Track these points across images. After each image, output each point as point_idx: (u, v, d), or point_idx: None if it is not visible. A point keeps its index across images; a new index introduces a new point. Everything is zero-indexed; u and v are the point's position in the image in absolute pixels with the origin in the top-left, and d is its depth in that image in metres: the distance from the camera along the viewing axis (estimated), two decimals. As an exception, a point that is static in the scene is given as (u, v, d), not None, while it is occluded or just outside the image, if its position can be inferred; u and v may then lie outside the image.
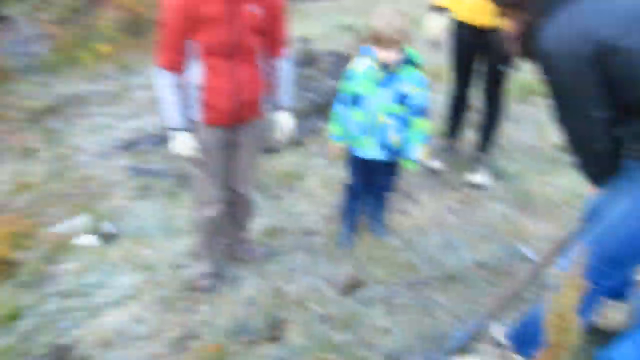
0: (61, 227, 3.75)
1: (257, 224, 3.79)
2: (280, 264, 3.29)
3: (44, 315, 3.04)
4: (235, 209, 3.24)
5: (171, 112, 2.75)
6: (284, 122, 3.07)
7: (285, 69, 2.98)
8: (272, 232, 3.67)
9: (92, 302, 3.15)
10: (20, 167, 4.53)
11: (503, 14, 1.99)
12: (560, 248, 2.26)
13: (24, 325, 2.95)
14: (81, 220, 3.80)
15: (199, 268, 3.24)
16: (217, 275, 3.24)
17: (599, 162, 1.94)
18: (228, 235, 3.35)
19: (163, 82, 2.72)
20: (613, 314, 2.34)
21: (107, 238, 3.71)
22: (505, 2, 1.98)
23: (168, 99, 2.73)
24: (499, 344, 2.19)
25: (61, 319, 3.03)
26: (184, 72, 2.73)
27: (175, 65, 2.68)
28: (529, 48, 1.91)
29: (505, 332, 2.22)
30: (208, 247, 3.18)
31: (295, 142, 4.93)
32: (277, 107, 3.09)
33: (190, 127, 2.80)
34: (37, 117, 5.44)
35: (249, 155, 3.05)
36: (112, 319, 2.99)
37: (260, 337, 2.72)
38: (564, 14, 1.79)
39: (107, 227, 3.78)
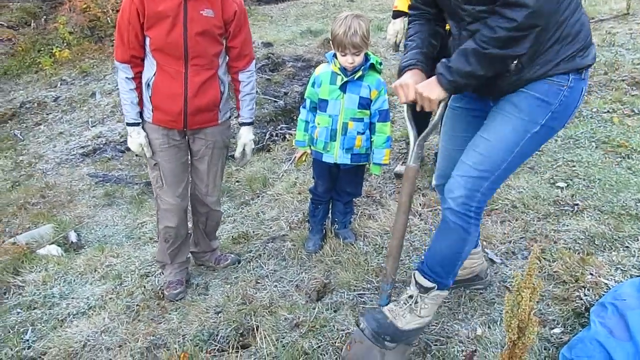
0: (24, 237, 3.68)
1: (225, 231, 3.79)
2: (248, 270, 3.29)
3: (8, 328, 2.99)
4: (202, 218, 3.23)
5: (127, 106, 2.77)
6: (244, 139, 3.09)
7: (248, 82, 2.99)
8: (240, 238, 3.67)
9: (57, 313, 3.11)
10: (-22, 176, 4.44)
11: None
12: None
13: (-14, 338, 2.89)
14: (44, 229, 3.74)
15: (166, 276, 3.22)
16: (185, 283, 3.22)
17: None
18: (195, 243, 3.35)
19: (121, 76, 2.75)
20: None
21: (72, 247, 3.66)
22: None
23: (124, 93, 2.76)
24: (420, 286, 2.28)
25: (25, 331, 2.98)
26: (141, 69, 2.75)
27: (131, 59, 2.71)
28: None
29: (420, 270, 2.31)
30: (173, 255, 3.16)
31: (262, 148, 4.96)
32: (238, 123, 3.10)
33: (143, 124, 2.83)
34: (-5, 124, 5.34)
35: (209, 164, 3.04)
36: (78, 330, 2.94)
37: (230, 345, 2.71)
38: None
39: (71, 236, 3.73)
